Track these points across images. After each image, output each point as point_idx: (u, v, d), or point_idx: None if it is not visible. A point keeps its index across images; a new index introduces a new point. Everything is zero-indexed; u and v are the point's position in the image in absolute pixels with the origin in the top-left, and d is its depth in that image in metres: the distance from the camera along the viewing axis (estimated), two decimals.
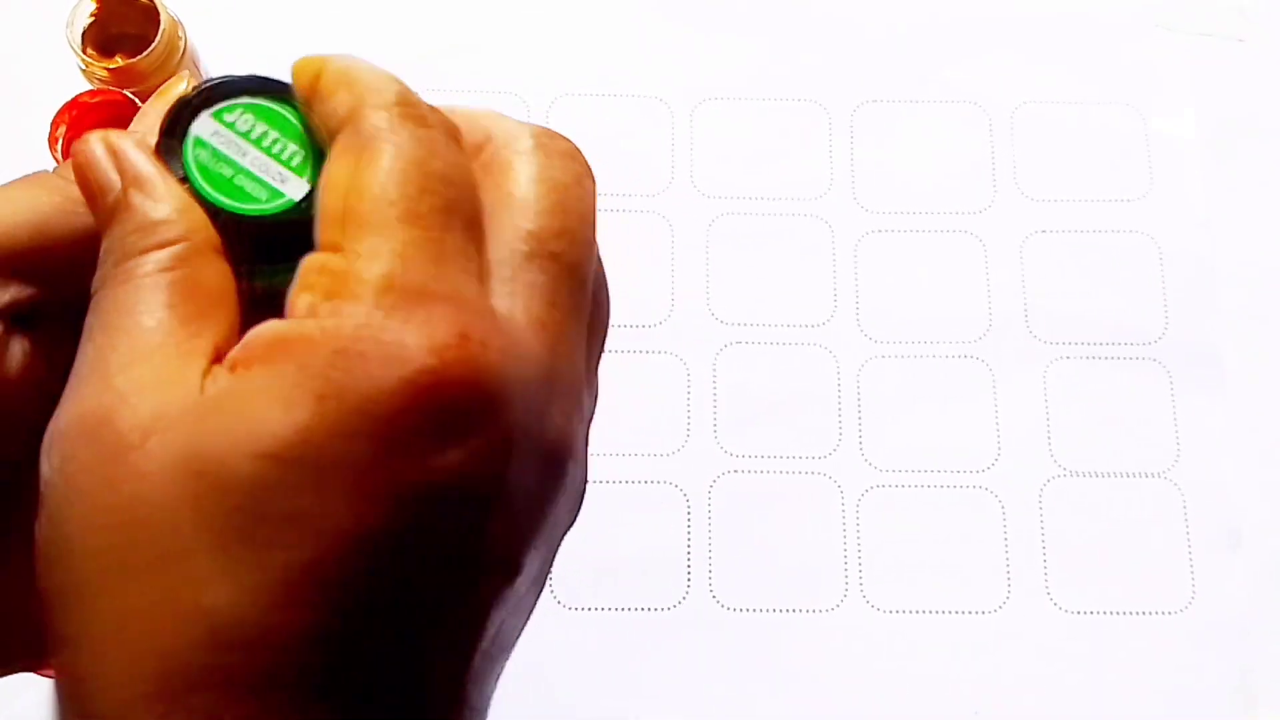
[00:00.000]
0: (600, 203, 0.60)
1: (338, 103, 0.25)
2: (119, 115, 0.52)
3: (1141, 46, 0.62)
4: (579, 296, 0.26)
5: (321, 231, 0.23)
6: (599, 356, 0.28)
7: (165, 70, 0.54)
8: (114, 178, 0.25)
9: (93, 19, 0.54)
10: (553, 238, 0.25)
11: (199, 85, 0.26)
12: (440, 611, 0.23)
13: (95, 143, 0.25)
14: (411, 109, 0.25)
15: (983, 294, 0.58)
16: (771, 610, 0.54)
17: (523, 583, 0.24)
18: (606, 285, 0.29)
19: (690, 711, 0.53)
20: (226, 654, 0.21)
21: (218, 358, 0.23)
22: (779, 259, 0.59)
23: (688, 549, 0.55)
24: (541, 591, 0.26)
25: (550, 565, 0.26)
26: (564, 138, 0.26)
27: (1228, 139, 0.61)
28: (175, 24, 0.54)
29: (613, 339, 0.62)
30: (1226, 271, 0.59)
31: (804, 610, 0.54)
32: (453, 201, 0.24)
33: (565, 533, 0.26)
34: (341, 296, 0.22)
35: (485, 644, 0.24)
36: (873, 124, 0.61)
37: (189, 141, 0.26)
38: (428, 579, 0.22)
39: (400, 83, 0.26)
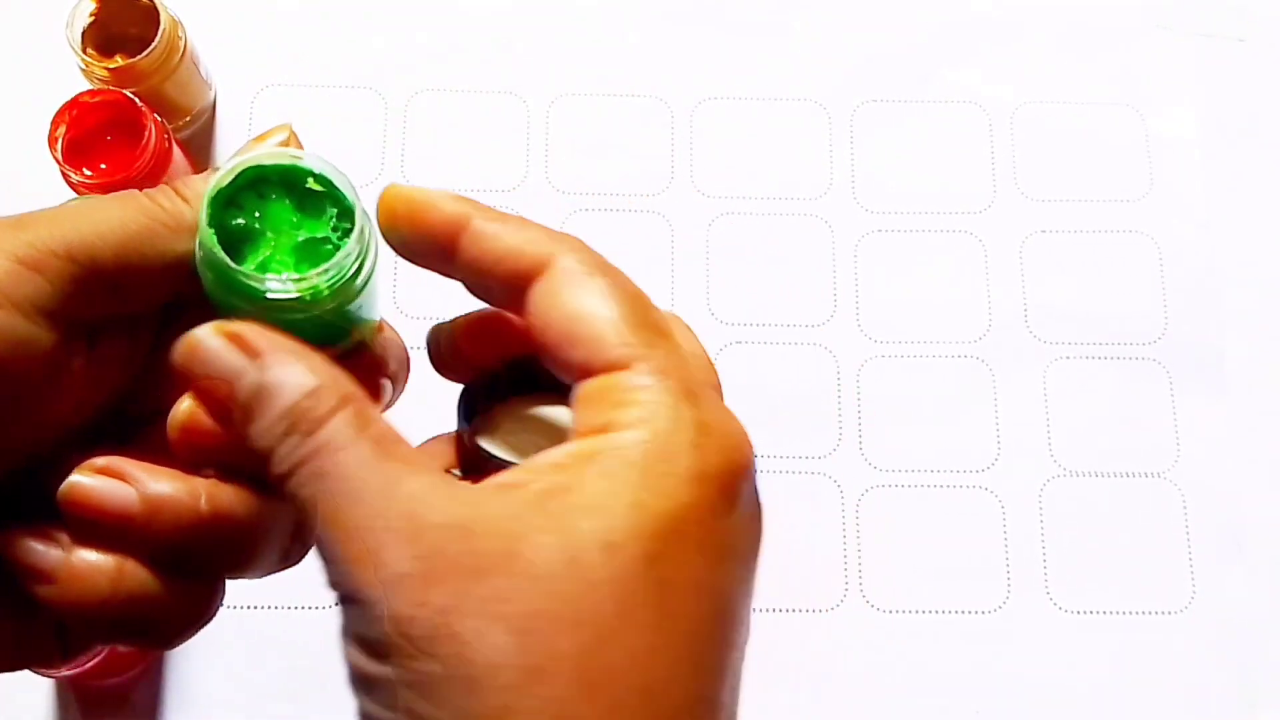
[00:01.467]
0: (600, 203, 0.61)
1: (523, 242, 0.29)
2: (119, 115, 0.52)
3: (1141, 46, 0.62)
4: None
5: (588, 359, 0.27)
6: None
7: (165, 70, 0.54)
8: (241, 362, 0.26)
9: (93, 19, 0.54)
10: (713, 370, 0.33)
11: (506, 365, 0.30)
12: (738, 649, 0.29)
13: (209, 337, 0.27)
14: (591, 250, 0.30)
15: (983, 294, 0.58)
16: (772, 610, 0.54)
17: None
18: None
19: None
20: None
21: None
22: (779, 259, 0.59)
23: None
24: None
25: None
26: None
27: (1228, 139, 0.61)
28: (175, 24, 0.54)
29: None
30: (1226, 272, 0.59)
31: (804, 610, 0.54)
32: (666, 322, 0.30)
33: None
34: (649, 405, 0.27)
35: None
36: (873, 124, 0.61)
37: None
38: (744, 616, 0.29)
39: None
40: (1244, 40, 0.62)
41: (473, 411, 0.30)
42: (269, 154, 0.29)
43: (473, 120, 0.60)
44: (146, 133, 0.51)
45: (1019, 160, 0.60)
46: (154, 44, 0.53)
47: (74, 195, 0.51)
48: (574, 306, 0.28)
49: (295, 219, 0.29)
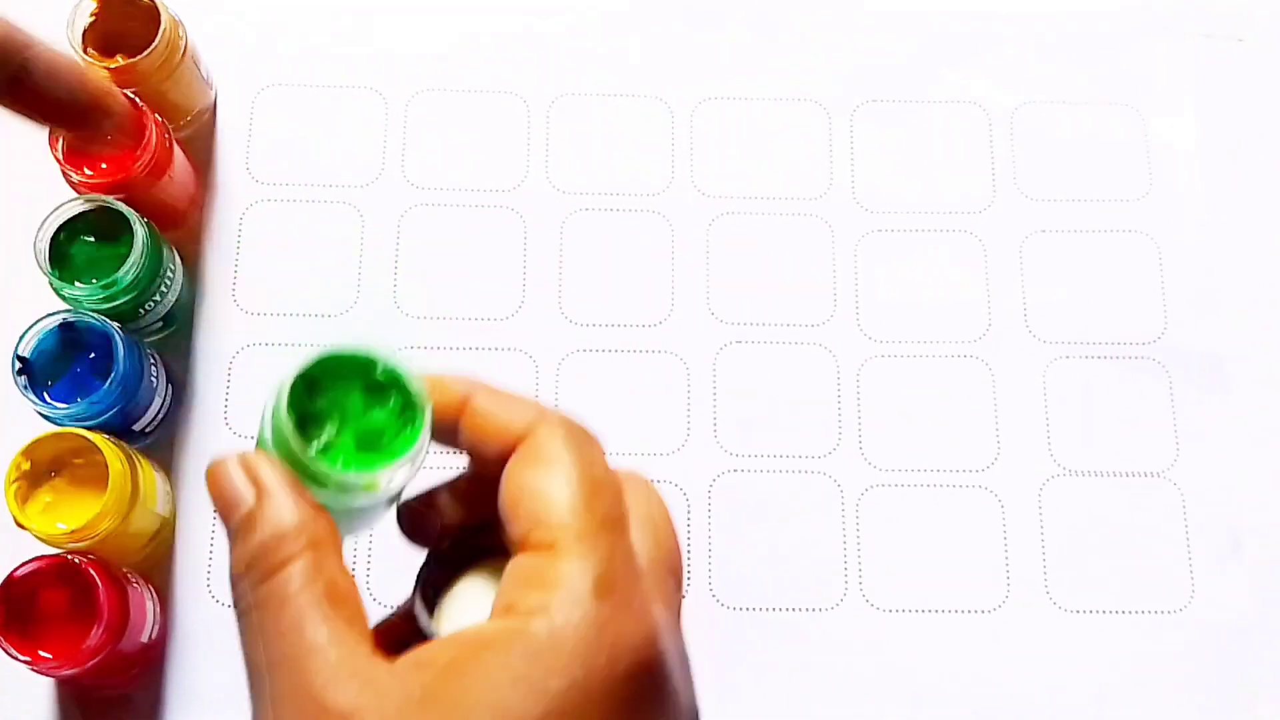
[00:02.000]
0: (600, 203, 0.61)
1: (511, 418, 0.31)
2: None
3: (1141, 46, 0.62)
4: (680, 597, 0.32)
5: (525, 535, 0.28)
6: None
7: (165, 70, 0.54)
8: (246, 492, 0.30)
9: (93, 19, 0.54)
10: (671, 555, 0.31)
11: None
12: None
13: (230, 463, 0.30)
14: (575, 428, 0.30)
15: (982, 294, 0.58)
16: (771, 609, 0.54)
17: None
18: None
19: None
20: None
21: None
22: (779, 259, 0.59)
23: (688, 548, 0.55)
24: None
25: None
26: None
27: (1228, 140, 0.61)
28: (175, 24, 0.54)
29: (613, 339, 0.62)
30: (1226, 272, 0.59)
31: (804, 609, 0.54)
32: (621, 509, 0.30)
33: None
34: (557, 594, 0.27)
35: None
36: (873, 124, 0.61)
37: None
38: None
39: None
40: (1244, 40, 0.62)
41: (425, 578, 0.31)
42: (348, 346, 0.31)
43: (473, 120, 0.60)
44: (147, 133, 0.51)
45: (1019, 160, 0.60)
46: (154, 44, 0.53)
47: (74, 195, 0.51)
48: (527, 481, 0.29)
49: (363, 405, 0.31)
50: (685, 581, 0.31)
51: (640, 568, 0.29)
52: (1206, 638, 0.54)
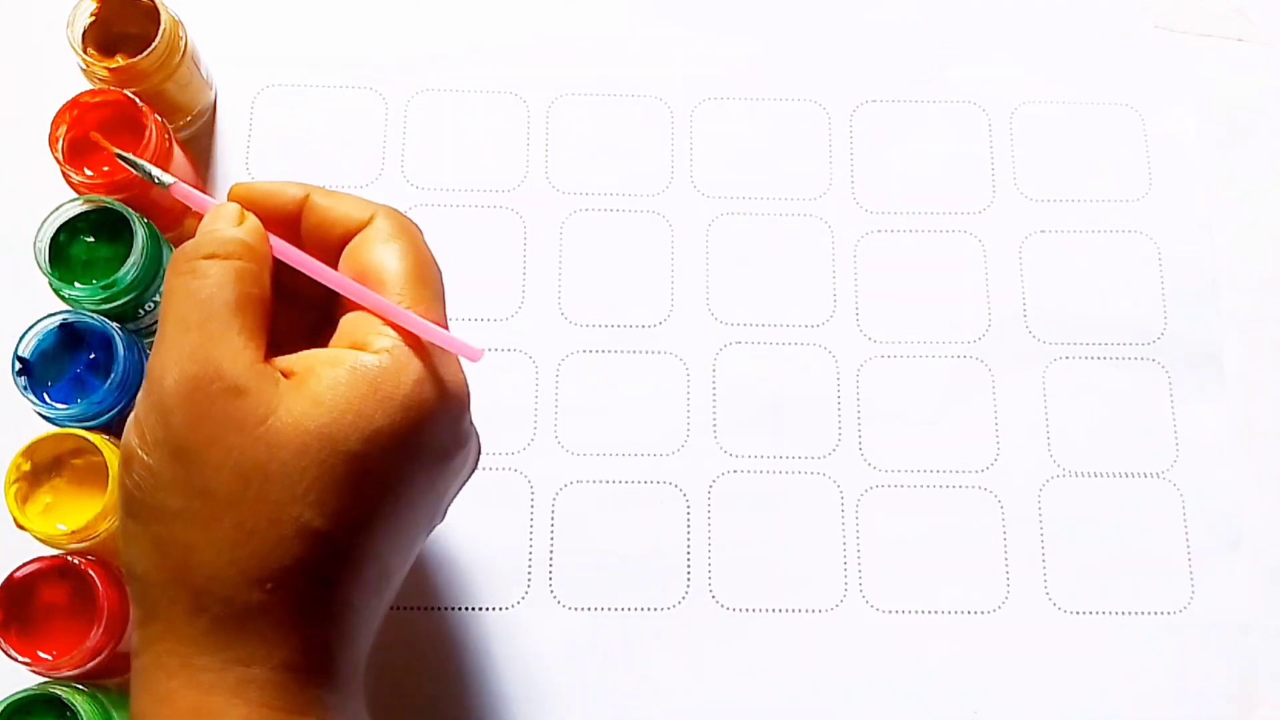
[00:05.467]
0: (600, 203, 0.61)
1: (356, 214, 0.41)
2: (120, 115, 0.52)
3: (1141, 46, 0.62)
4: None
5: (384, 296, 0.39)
6: None
7: (166, 70, 0.54)
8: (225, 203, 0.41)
9: (93, 19, 0.54)
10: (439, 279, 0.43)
11: None
12: (411, 543, 0.41)
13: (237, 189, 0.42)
14: (404, 218, 0.42)
15: (982, 294, 0.58)
16: (771, 610, 0.54)
17: (428, 531, 0.42)
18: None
19: (690, 711, 0.53)
20: (312, 554, 0.36)
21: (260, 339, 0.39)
22: (779, 259, 0.59)
23: (687, 549, 0.55)
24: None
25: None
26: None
27: (1228, 139, 0.61)
28: (176, 24, 0.54)
29: (613, 339, 0.62)
30: (1226, 272, 0.59)
31: (804, 610, 0.54)
32: (439, 278, 0.42)
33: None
34: (397, 341, 0.39)
35: (394, 580, 0.40)
36: (873, 124, 0.61)
37: None
38: (421, 520, 0.40)
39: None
40: (1243, 40, 0.62)
41: None
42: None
43: (473, 120, 0.60)
44: (147, 133, 0.51)
45: (1018, 160, 0.60)
46: (154, 44, 0.53)
47: (75, 195, 0.51)
48: (368, 259, 0.40)
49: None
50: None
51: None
52: (1206, 638, 0.54)
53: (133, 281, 0.50)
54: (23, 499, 0.48)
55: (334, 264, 0.41)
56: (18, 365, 0.49)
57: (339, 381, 0.37)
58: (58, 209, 0.51)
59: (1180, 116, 0.61)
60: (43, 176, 0.53)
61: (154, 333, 0.55)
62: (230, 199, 0.42)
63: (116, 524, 0.48)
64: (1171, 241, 0.59)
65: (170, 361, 0.37)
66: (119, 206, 0.51)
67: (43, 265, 0.50)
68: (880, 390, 0.57)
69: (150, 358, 0.38)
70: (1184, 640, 0.54)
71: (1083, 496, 0.56)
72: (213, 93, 0.59)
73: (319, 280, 0.40)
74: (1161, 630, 0.54)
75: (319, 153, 0.59)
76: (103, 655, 0.47)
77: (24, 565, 0.47)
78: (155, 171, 0.44)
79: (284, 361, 0.39)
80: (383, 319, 0.39)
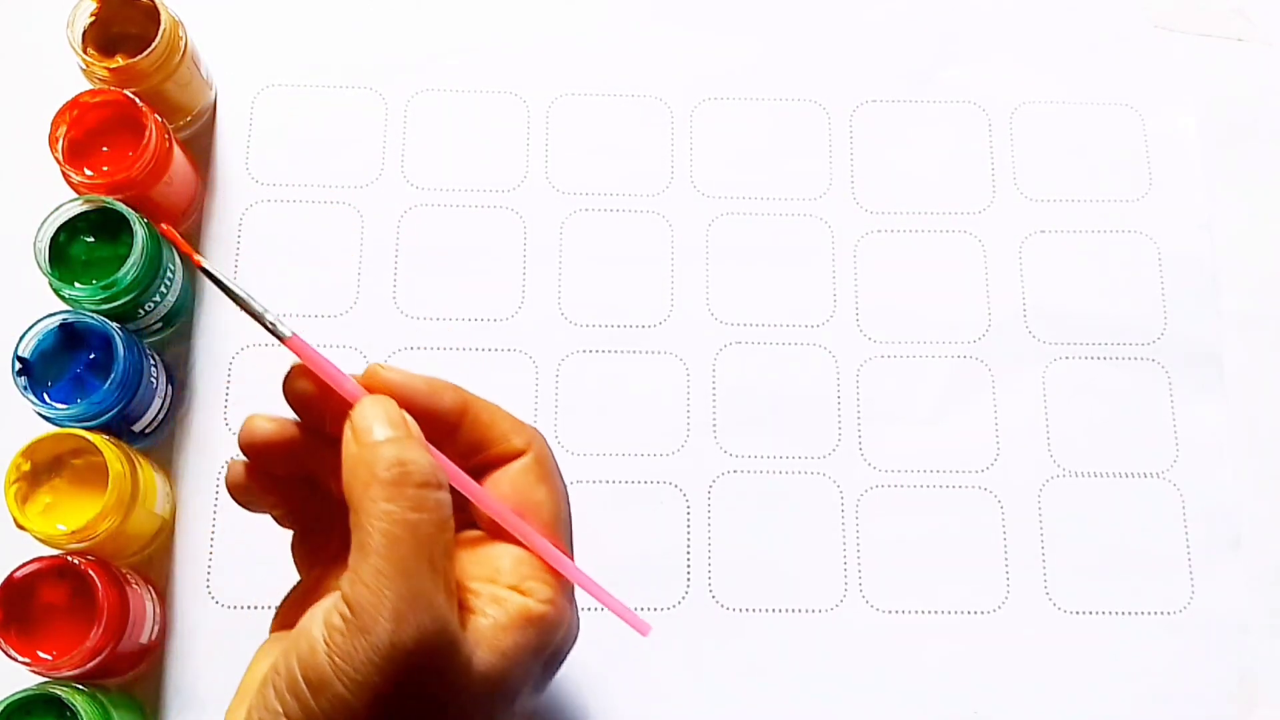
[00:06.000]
0: (600, 203, 0.61)
1: (514, 440, 0.41)
2: (120, 115, 0.52)
3: (1141, 46, 0.62)
4: None
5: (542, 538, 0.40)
6: None
7: (166, 70, 0.54)
8: (391, 425, 0.38)
9: (93, 19, 0.54)
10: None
11: None
12: None
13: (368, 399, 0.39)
14: (550, 452, 0.42)
15: (982, 294, 0.58)
16: (771, 610, 0.54)
17: None
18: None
19: (690, 711, 0.53)
20: None
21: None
22: (779, 259, 0.59)
23: (687, 549, 0.55)
24: None
25: None
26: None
27: (1228, 139, 0.61)
28: (176, 24, 0.54)
29: (613, 339, 0.62)
30: (1226, 272, 0.59)
31: (804, 610, 0.54)
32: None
33: None
34: (557, 590, 0.39)
35: None
36: (873, 124, 0.61)
37: None
38: None
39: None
40: (1243, 40, 0.62)
41: None
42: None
43: (473, 120, 0.60)
44: (147, 133, 0.52)
45: (1018, 160, 0.60)
46: (154, 44, 0.53)
47: (75, 195, 0.51)
48: (528, 497, 0.40)
49: None
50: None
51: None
52: (1206, 638, 0.54)
53: (133, 281, 0.50)
54: (23, 499, 0.48)
55: (478, 477, 0.41)
56: (18, 365, 0.49)
57: (513, 628, 0.37)
58: (58, 209, 0.51)
59: (1180, 116, 0.61)
60: (43, 176, 0.53)
61: (154, 332, 0.55)
62: (373, 384, 0.39)
63: (117, 524, 0.48)
64: (1171, 241, 0.59)
65: (389, 604, 0.34)
66: (119, 206, 0.51)
67: (43, 265, 0.50)
68: (880, 390, 0.57)
69: (353, 586, 0.35)
70: (1184, 640, 0.54)
71: (1083, 496, 0.56)
72: (213, 93, 0.59)
73: (482, 508, 0.40)
74: (1161, 630, 0.54)
75: (319, 153, 0.59)
76: (103, 655, 0.47)
77: (24, 565, 0.47)
78: (274, 321, 0.40)
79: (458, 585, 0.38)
80: (546, 566, 0.39)
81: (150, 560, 0.53)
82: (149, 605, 0.51)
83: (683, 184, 0.59)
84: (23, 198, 0.54)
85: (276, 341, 0.40)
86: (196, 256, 0.40)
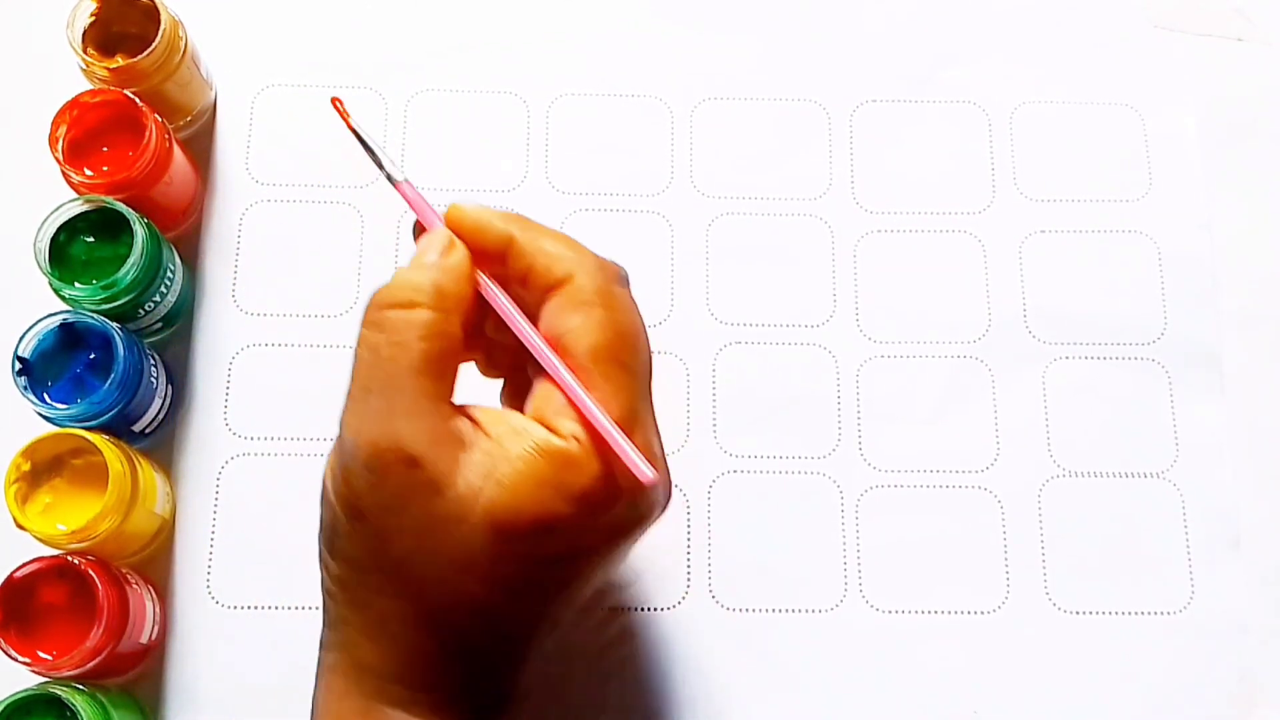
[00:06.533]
0: (601, 203, 0.61)
1: (554, 271, 0.39)
2: (119, 115, 0.52)
3: (1141, 46, 0.62)
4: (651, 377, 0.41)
5: (570, 369, 0.38)
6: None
7: (165, 70, 0.54)
8: (432, 246, 0.40)
9: (93, 19, 0.54)
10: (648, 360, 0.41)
11: None
12: (567, 610, 0.40)
13: (459, 210, 0.41)
14: (612, 275, 0.40)
15: (982, 294, 0.58)
16: (771, 610, 0.54)
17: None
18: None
19: (690, 711, 0.53)
20: (474, 618, 0.38)
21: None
22: (779, 259, 0.59)
23: (687, 549, 0.55)
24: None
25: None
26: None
27: (1228, 139, 0.61)
28: (176, 24, 0.54)
29: None
30: (1226, 272, 0.59)
31: (803, 610, 0.54)
32: (641, 352, 0.39)
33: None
34: (588, 429, 0.37)
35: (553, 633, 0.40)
36: (873, 124, 0.61)
37: None
38: (583, 594, 0.40)
39: (588, 250, 0.41)
40: (1243, 40, 0.62)
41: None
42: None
43: (473, 120, 0.60)
44: (147, 133, 0.52)
45: (1018, 160, 0.60)
46: (154, 44, 0.53)
47: (75, 195, 0.51)
48: (560, 325, 0.38)
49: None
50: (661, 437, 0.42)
51: (649, 394, 0.39)
52: (1206, 638, 0.54)
53: (133, 281, 0.50)
54: (23, 499, 0.48)
55: (538, 309, 0.40)
56: (18, 365, 0.49)
57: (521, 461, 0.36)
58: (58, 209, 0.51)
59: (1180, 116, 0.61)
60: (43, 176, 0.53)
61: (154, 332, 0.55)
62: (447, 220, 0.41)
63: (117, 524, 0.48)
64: (1171, 241, 0.59)
65: (352, 423, 0.37)
66: (119, 206, 0.51)
67: (43, 265, 0.50)
68: (880, 390, 0.57)
69: (343, 410, 0.38)
70: (1184, 640, 0.54)
71: (1083, 496, 0.56)
72: (213, 93, 0.59)
73: (518, 336, 0.39)
74: (1161, 630, 0.54)
75: (319, 153, 0.59)
76: (103, 655, 0.47)
77: (24, 565, 0.47)
78: (389, 165, 0.43)
79: (477, 413, 0.38)
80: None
81: (150, 560, 0.53)
82: (149, 605, 0.51)
83: (683, 184, 0.59)
84: (23, 198, 0.54)
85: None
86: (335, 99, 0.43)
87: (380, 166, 0.42)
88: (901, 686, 0.54)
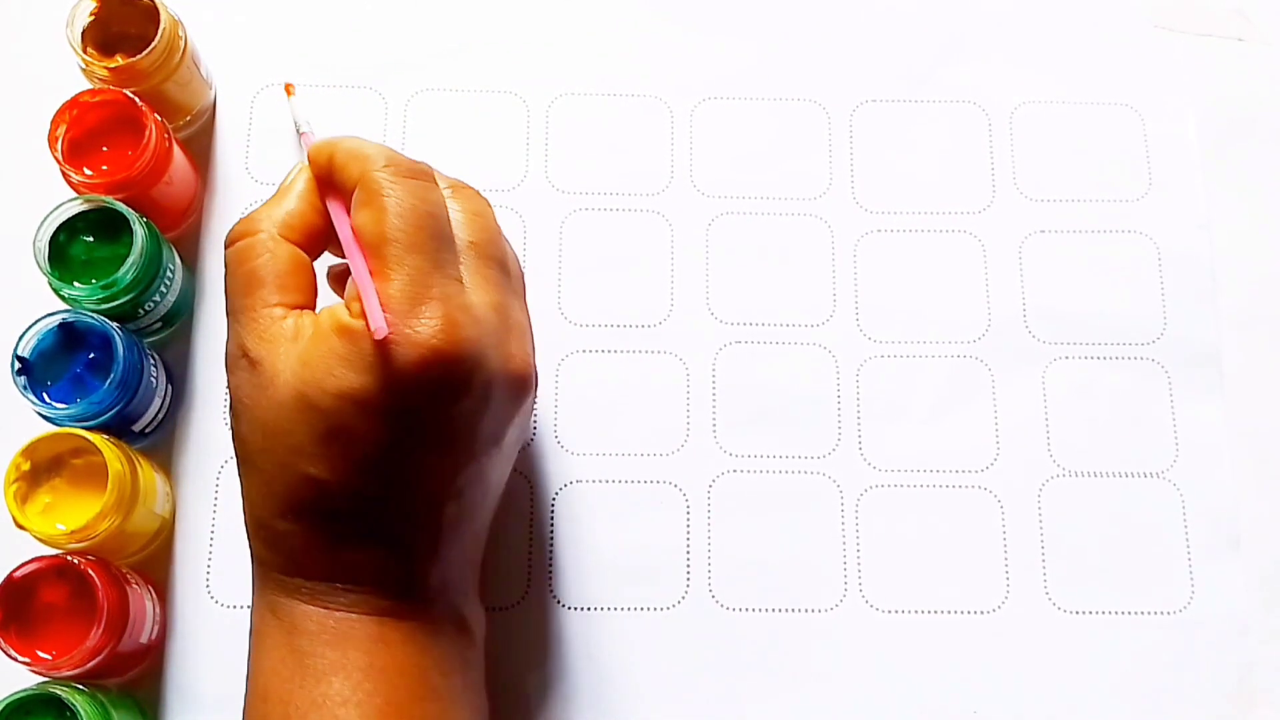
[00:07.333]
0: (601, 203, 0.61)
1: (350, 172, 0.43)
2: (119, 115, 0.52)
3: (1141, 47, 0.62)
4: (507, 276, 0.45)
5: (365, 262, 0.41)
6: (525, 299, 0.47)
7: (165, 70, 0.54)
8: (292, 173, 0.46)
9: (93, 18, 0.54)
10: (487, 244, 0.44)
11: None
12: (432, 479, 0.42)
13: (322, 148, 0.45)
14: (399, 167, 0.43)
15: (982, 294, 0.58)
16: (771, 610, 0.54)
17: (488, 460, 0.44)
18: (515, 254, 0.47)
19: (690, 711, 0.53)
20: (317, 497, 0.41)
21: (295, 306, 0.43)
22: (779, 259, 0.59)
23: (687, 549, 0.55)
24: (508, 470, 0.47)
25: (515, 449, 0.47)
26: (467, 185, 0.46)
27: (1228, 139, 0.61)
28: (175, 23, 0.54)
29: (613, 339, 0.62)
30: (1225, 272, 0.59)
31: (803, 610, 0.54)
32: (436, 228, 0.42)
33: (529, 420, 0.48)
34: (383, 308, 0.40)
35: (454, 506, 0.43)
36: (872, 124, 0.61)
37: None
38: (429, 460, 0.42)
39: (389, 150, 0.44)
40: (1243, 40, 0.62)
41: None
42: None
43: (473, 120, 0.60)
44: (147, 133, 0.52)
45: (1018, 160, 0.60)
46: (154, 44, 0.53)
47: (75, 195, 0.51)
48: (357, 224, 0.42)
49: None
50: (519, 275, 0.47)
51: (455, 274, 0.42)
52: (1206, 638, 0.55)
53: (132, 281, 0.50)
54: (22, 499, 0.48)
55: None
56: (17, 365, 0.49)
57: (319, 339, 0.41)
58: (57, 209, 0.51)
59: (1180, 116, 0.61)
60: (43, 176, 0.53)
61: (154, 332, 0.55)
62: (309, 154, 0.46)
63: (117, 524, 0.48)
64: (1171, 241, 0.59)
65: (227, 337, 0.43)
66: (119, 206, 0.51)
67: (42, 265, 0.50)
68: (880, 390, 0.57)
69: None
70: (1184, 640, 0.54)
71: (1083, 496, 0.56)
72: (213, 93, 0.59)
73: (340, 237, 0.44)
74: (1161, 630, 0.54)
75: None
76: (102, 655, 0.47)
77: (24, 565, 0.47)
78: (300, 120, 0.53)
79: (318, 312, 0.43)
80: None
81: (150, 560, 0.53)
82: (149, 605, 0.51)
83: (683, 184, 0.59)
84: (23, 198, 0.54)
85: None
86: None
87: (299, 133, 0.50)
88: (901, 686, 0.54)
